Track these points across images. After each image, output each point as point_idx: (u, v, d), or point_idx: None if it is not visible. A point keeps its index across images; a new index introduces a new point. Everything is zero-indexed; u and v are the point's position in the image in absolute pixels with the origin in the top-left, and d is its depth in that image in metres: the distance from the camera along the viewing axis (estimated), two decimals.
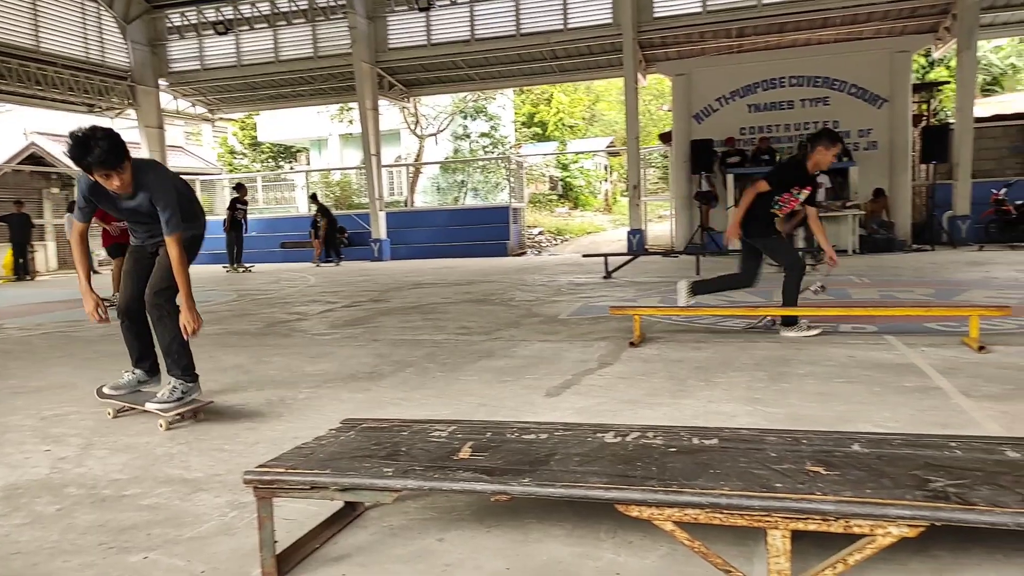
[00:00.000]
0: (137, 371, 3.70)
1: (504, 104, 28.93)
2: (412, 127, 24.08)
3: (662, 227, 19.51)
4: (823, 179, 12.84)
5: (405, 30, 16.57)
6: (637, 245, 14.61)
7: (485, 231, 17.29)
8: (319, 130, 27.75)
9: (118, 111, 18.23)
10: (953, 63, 14.42)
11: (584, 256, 11.79)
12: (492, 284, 9.83)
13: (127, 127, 17.23)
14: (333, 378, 4.33)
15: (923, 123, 14.62)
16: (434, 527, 2.16)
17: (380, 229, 17.05)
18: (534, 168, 28.16)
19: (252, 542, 2.00)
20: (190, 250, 3.47)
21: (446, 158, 26.55)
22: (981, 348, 4.31)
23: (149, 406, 3.44)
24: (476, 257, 16.22)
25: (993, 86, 25.33)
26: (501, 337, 5.58)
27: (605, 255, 10.43)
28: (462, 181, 25.66)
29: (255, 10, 17.52)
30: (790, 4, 13.61)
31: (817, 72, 14.07)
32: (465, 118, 26.31)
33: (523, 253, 17.51)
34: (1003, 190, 12.59)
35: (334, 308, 7.87)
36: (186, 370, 3.51)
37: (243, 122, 29.79)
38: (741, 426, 2.99)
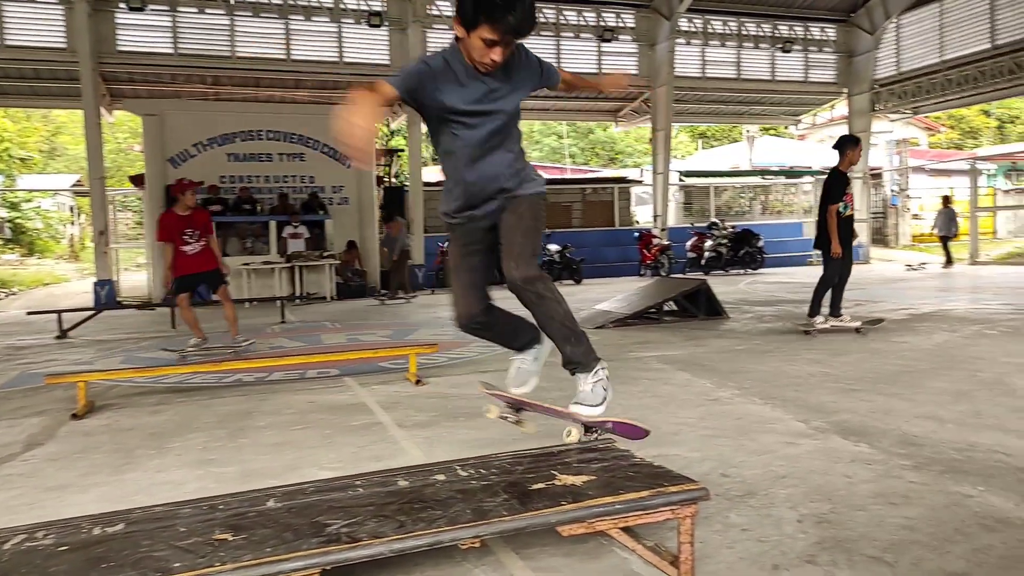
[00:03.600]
0: (526, 354, 2.93)
1: None
2: None
3: (140, 276, 17.79)
4: (301, 230, 13.54)
5: None
6: (106, 297, 12.97)
7: None
8: None
9: None
10: (408, 133, 16.81)
11: (29, 313, 9.87)
12: None
13: None
14: None
15: (385, 184, 16.66)
16: None
17: None
18: None
19: None
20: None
21: None
22: (419, 382, 4.99)
23: (581, 411, 2.57)
24: None
25: None
26: None
27: (59, 311, 8.95)
28: None
29: None
30: (263, 61, 14.03)
31: (293, 129, 14.75)
32: None
33: None
34: (447, 244, 15.14)
35: None
36: (590, 354, 2.62)
37: None
38: (188, 493, 2.83)
